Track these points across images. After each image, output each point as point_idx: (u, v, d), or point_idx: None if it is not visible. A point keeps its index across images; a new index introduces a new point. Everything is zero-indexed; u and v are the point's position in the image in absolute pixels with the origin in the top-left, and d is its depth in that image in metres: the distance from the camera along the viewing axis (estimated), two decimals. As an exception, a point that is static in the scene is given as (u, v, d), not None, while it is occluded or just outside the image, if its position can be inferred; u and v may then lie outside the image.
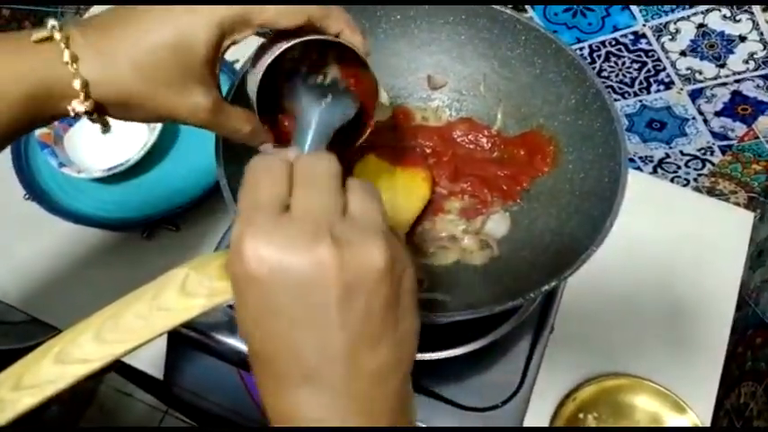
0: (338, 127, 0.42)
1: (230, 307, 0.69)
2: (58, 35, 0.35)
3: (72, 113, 0.37)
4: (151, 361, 0.73)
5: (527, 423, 0.67)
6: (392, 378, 0.31)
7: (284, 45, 0.39)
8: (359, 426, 0.30)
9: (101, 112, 0.39)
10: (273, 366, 0.30)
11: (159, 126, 0.80)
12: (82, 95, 0.36)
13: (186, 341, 0.69)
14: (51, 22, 0.36)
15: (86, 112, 0.37)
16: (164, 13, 0.36)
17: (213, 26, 0.37)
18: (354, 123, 0.45)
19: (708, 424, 0.72)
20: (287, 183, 0.31)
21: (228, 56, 0.42)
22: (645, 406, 0.72)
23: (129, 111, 0.39)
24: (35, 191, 0.80)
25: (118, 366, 0.77)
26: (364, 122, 0.46)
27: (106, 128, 0.40)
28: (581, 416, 0.71)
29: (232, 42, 0.39)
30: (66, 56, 0.35)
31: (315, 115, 0.42)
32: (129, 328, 0.35)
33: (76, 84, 0.36)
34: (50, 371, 0.34)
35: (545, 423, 0.71)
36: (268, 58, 0.40)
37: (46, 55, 0.36)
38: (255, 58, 0.42)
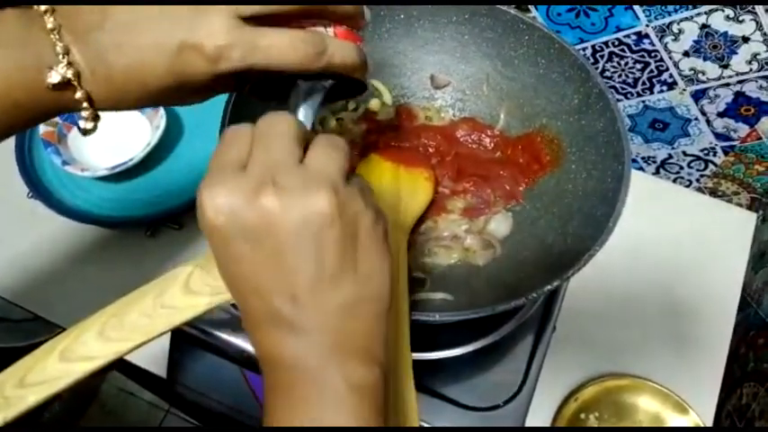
0: (329, 86, 0.42)
1: (234, 306, 0.69)
2: (70, 73, 0.35)
3: (81, 127, 0.39)
4: (154, 359, 0.73)
5: (529, 423, 0.67)
6: (362, 313, 0.33)
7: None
8: (336, 365, 0.32)
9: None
10: (247, 309, 0.33)
11: (163, 125, 0.80)
12: (89, 115, 0.38)
13: (189, 339, 0.69)
14: (58, 47, 0.35)
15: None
16: (166, 51, 0.36)
17: (214, 77, 0.37)
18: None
19: (709, 424, 0.72)
20: (250, 145, 0.33)
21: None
22: (646, 406, 0.72)
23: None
24: (39, 189, 0.80)
25: (121, 365, 0.77)
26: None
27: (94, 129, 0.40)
28: (583, 416, 0.71)
29: None
30: (79, 94, 0.36)
31: (307, 85, 0.42)
32: (134, 326, 0.35)
33: (86, 114, 0.37)
34: (55, 368, 0.34)
35: (547, 423, 0.71)
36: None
37: (60, 93, 0.36)
38: None
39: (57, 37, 0.35)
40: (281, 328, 0.32)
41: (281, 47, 0.36)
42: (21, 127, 0.39)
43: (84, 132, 0.39)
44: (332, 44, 0.38)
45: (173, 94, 0.38)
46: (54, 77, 0.35)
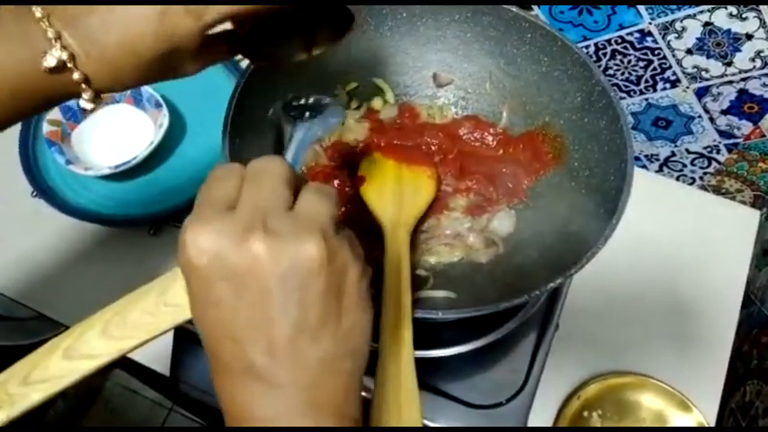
0: (321, 137, 0.44)
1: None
2: (64, 55, 0.36)
3: (80, 107, 0.39)
4: (157, 357, 0.74)
5: (531, 421, 0.67)
6: (340, 370, 0.32)
7: None
8: (307, 423, 0.31)
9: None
10: (218, 355, 0.32)
11: (166, 124, 0.80)
12: (89, 95, 0.38)
13: (193, 337, 0.69)
14: (50, 33, 0.35)
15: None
16: (153, 16, 0.36)
17: (200, 34, 0.37)
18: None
19: (713, 422, 0.72)
20: (239, 184, 0.33)
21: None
22: (650, 404, 0.72)
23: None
24: (42, 188, 0.80)
25: (124, 363, 0.77)
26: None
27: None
28: (586, 414, 0.71)
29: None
30: (77, 75, 0.37)
31: (296, 131, 0.44)
32: (137, 325, 0.35)
33: (87, 96, 0.38)
34: (58, 366, 0.34)
35: (549, 421, 0.71)
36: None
37: (58, 77, 0.37)
38: None
39: (47, 24, 0.35)
40: (253, 379, 0.31)
41: None
42: (24, 115, 0.40)
43: (84, 111, 0.40)
44: None
45: (168, 62, 0.38)
46: (50, 61, 0.35)
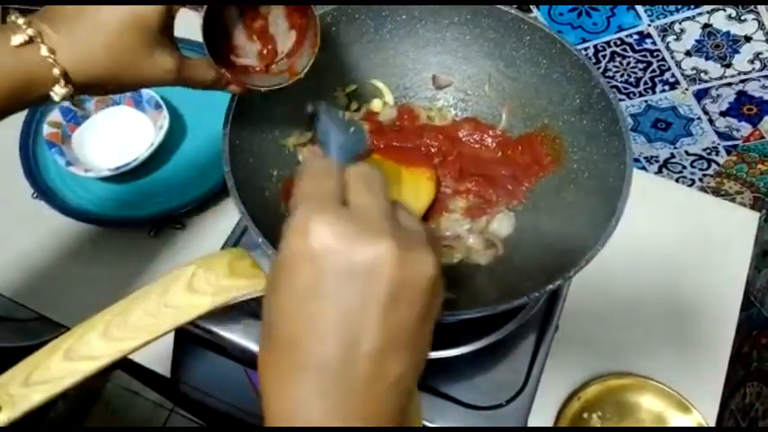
0: (358, 154, 0.48)
1: (236, 305, 0.69)
2: (30, 30, 0.39)
3: (55, 98, 0.41)
4: (158, 358, 0.74)
5: (531, 422, 0.68)
6: (404, 391, 0.31)
7: None
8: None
9: (81, 93, 0.43)
10: (296, 351, 0.30)
11: (166, 126, 0.80)
12: (62, 81, 0.40)
13: (193, 339, 0.70)
14: (20, 20, 0.39)
15: (68, 96, 0.41)
16: (112, 3, 0.41)
17: None
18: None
19: (712, 424, 0.72)
20: (342, 184, 0.33)
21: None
22: (649, 405, 0.72)
23: (107, 87, 0.43)
24: (43, 189, 0.81)
25: (125, 364, 0.77)
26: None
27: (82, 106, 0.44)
28: (585, 415, 0.71)
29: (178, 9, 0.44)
30: (44, 50, 0.39)
31: (341, 140, 0.48)
32: (137, 326, 0.35)
33: (56, 72, 0.40)
34: (60, 367, 0.35)
35: (549, 422, 0.71)
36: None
37: (26, 54, 0.39)
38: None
39: (23, 19, 0.39)
40: (323, 380, 0.29)
41: None
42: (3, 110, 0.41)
43: (62, 99, 0.41)
44: None
45: (134, 39, 0.41)
46: (17, 40, 0.38)
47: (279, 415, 0.30)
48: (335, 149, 0.46)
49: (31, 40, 0.39)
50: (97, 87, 0.43)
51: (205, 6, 0.43)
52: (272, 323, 0.31)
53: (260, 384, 0.31)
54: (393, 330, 0.29)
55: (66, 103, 0.64)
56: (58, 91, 0.41)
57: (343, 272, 0.29)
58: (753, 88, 0.72)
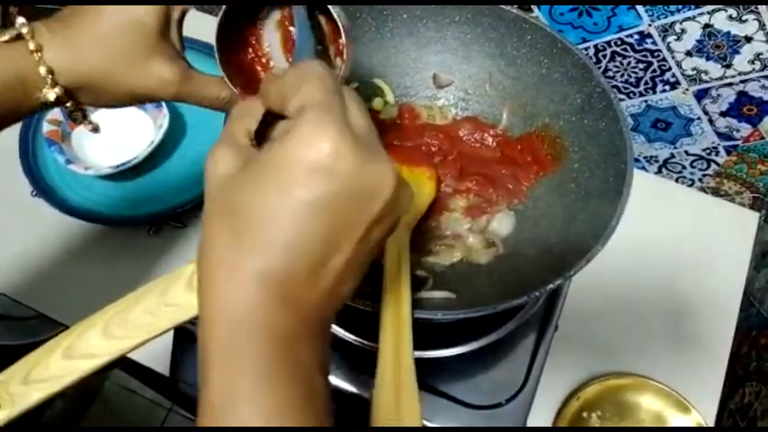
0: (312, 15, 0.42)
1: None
2: (24, 29, 0.38)
3: (43, 100, 0.39)
4: (157, 357, 0.74)
5: (531, 421, 0.68)
6: (341, 294, 0.32)
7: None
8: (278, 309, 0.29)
9: (71, 98, 0.41)
10: (262, 253, 0.29)
11: (166, 124, 0.80)
12: (49, 81, 0.39)
13: (192, 337, 0.69)
14: (20, 19, 0.38)
15: (58, 100, 0.40)
16: (114, 3, 0.39)
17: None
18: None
19: (712, 424, 0.72)
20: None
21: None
22: (649, 405, 0.72)
23: (98, 93, 0.41)
24: (42, 187, 0.80)
25: (124, 363, 0.77)
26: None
27: (92, 124, 0.42)
28: (585, 415, 0.71)
29: (182, 13, 0.42)
30: (32, 45, 0.38)
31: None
32: (137, 324, 0.35)
33: (42, 70, 0.38)
34: (59, 365, 0.34)
35: (549, 421, 0.71)
36: (219, 19, 0.40)
37: (17, 51, 0.38)
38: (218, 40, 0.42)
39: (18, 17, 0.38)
40: (284, 291, 0.29)
41: None
42: None
43: (53, 102, 0.40)
44: None
45: (131, 47, 0.39)
46: (4, 36, 0.38)
47: (221, 315, 0.30)
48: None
49: (19, 37, 0.38)
50: (87, 92, 0.41)
51: (223, 8, 0.39)
52: (250, 220, 0.29)
53: (200, 279, 0.31)
54: (364, 248, 0.30)
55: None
56: (46, 92, 0.39)
57: (349, 191, 0.28)
58: (753, 89, 0.72)
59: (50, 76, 0.39)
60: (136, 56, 0.40)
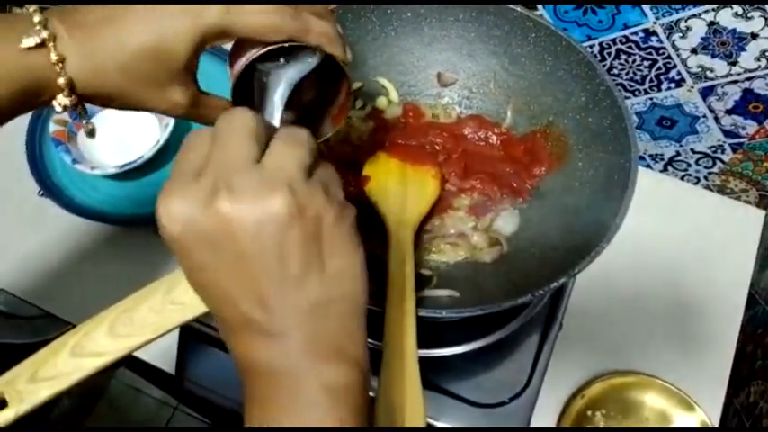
0: (298, 81, 0.42)
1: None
2: (45, 33, 0.36)
3: (58, 108, 0.39)
4: (162, 356, 0.74)
5: (535, 420, 0.68)
6: (334, 313, 0.32)
7: (258, 52, 0.39)
8: (309, 368, 0.32)
9: (84, 102, 0.40)
10: (220, 317, 0.33)
11: (172, 124, 0.81)
12: (67, 91, 0.38)
13: (198, 336, 0.70)
14: (36, 17, 0.36)
15: (71, 106, 0.39)
16: (147, 13, 0.37)
17: (195, 36, 0.37)
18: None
19: (716, 421, 0.72)
20: (209, 149, 0.32)
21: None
22: (653, 403, 0.72)
23: (111, 103, 0.41)
24: (49, 187, 0.81)
25: (130, 361, 0.78)
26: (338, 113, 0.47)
27: (90, 125, 0.41)
28: (589, 413, 0.71)
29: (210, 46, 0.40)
30: (54, 57, 0.36)
31: (270, 80, 0.42)
32: (143, 323, 0.36)
33: (62, 81, 0.37)
34: (66, 363, 0.35)
35: (553, 420, 0.71)
36: (242, 63, 0.40)
37: (37, 59, 0.36)
38: (232, 57, 0.43)
39: (40, 15, 0.36)
40: (254, 332, 0.32)
41: (259, 8, 0.37)
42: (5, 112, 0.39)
43: (64, 108, 0.39)
44: (306, 14, 0.39)
45: (153, 70, 0.38)
46: (29, 42, 0.36)
47: (238, 364, 0.33)
48: (269, 98, 0.42)
49: (42, 44, 0.36)
50: (100, 101, 0.40)
51: (246, 62, 0.39)
52: (202, 295, 0.34)
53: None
54: (277, 270, 0.31)
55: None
56: (61, 101, 0.38)
57: (200, 242, 0.31)
58: (759, 86, 0.72)
59: (70, 87, 0.38)
60: (156, 82, 0.39)
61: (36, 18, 0.36)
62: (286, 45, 0.39)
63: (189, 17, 0.37)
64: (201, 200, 0.30)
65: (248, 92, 0.43)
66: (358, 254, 0.34)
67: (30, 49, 0.36)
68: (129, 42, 0.37)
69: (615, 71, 0.78)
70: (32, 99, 0.38)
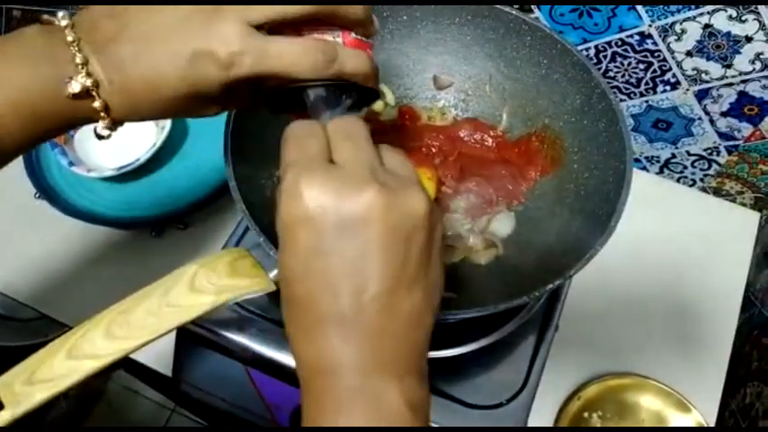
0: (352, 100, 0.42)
1: (239, 305, 0.70)
2: (88, 81, 0.35)
3: (100, 134, 0.39)
4: (160, 358, 0.74)
5: (531, 421, 0.68)
6: (422, 324, 0.33)
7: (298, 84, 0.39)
8: (392, 380, 0.31)
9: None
10: (311, 307, 0.32)
11: (168, 126, 0.81)
12: (107, 122, 0.38)
13: (194, 338, 0.70)
14: (74, 50, 0.35)
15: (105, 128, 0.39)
16: (177, 57, 0.36)
17: (227, 83, 0.36)
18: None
19: (712, 423, 0.72)
20: (327, 142, 0.34)
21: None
22: (649, 405, 0.72)
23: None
24: (46, 190, 0.81)
25: (127, 363, 0.78)
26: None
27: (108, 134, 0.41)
28: (586, 414, 0.71)
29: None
30: (98, 104, 0.36)
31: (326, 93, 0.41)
32: (140, 325, 0.36)
33: (104, 123, 0.37)
34: (62, 366, 0.35)
35: (549, 421, 0.71)
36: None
37: (81, 104, 0.36)
38: None
39: (76, 49, 0.35)
40: (342, 327, 0.31)
41: (292, 53, 0.36)
42: (41, 138, 0.38)
43: (100, 137, 0.39)
44: (342, 52, 0.38)
45: (186, 103, 0.38)
46: (74, 87, 0.35)
47: (310, 366, 0.32)
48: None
49: (87, 92, 0.35)
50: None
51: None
52: (286, 284, 0.33)
53: (288, 339, 0.34)
54: (395, 268, 0.31)
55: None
56: (100, 131, 0.38)
57: (338, 226, 0.31)
58: (754, 88, 0.72)
59: (109, 122, 0.38)
60: (189, 110, 0.39)
61: (78, 59, 0.35)
62: (328, 83, 0.39)
63: (219, 68, 0.36)
64: (350, 187, 0.31)
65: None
66: (443, 269, 0.35)
67: (75, 95, 0.35)
68: (165, 92, 0.36)
69: (611, 74, 0.78)
70: (68, 130, 0.39)
